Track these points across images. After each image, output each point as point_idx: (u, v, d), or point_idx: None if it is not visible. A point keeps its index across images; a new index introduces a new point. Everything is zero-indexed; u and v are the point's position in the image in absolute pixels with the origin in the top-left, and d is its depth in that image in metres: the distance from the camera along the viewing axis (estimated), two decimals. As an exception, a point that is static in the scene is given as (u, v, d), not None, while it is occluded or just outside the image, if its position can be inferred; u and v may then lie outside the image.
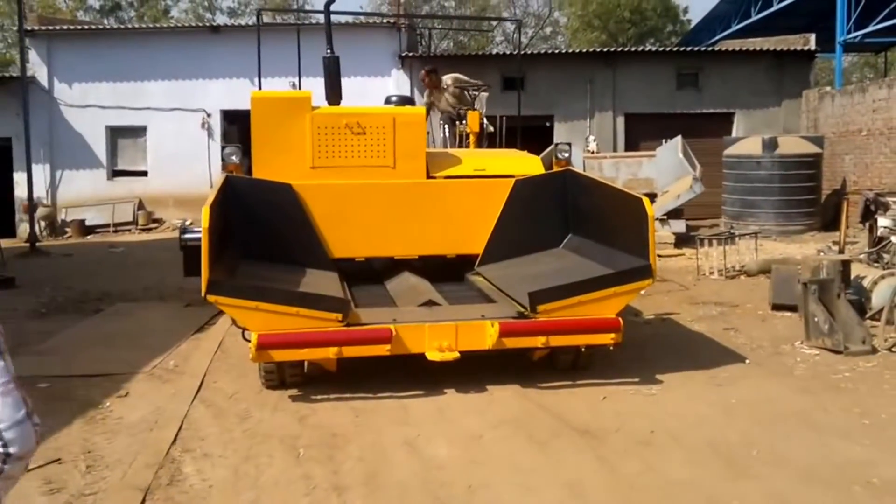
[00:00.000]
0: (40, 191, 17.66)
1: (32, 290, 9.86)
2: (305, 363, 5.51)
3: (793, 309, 7.54)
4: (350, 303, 5.43)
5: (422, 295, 5.91)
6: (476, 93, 9.11)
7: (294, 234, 6.27)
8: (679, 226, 13.44)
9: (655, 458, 4.24)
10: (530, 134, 10.10)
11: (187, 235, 5.99)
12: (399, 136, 6.58)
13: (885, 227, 8.43)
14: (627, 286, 5.39)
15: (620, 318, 5.38)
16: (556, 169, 6.83)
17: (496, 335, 5.19)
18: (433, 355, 5.16)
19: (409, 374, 5.60)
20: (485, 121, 8.64)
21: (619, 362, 5.97)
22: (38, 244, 14.49)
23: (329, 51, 7.23)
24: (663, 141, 15.25)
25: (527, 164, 7.03)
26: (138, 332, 7.45)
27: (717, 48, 19.98)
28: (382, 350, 5.14)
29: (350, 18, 16.75)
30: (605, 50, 19.49)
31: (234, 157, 6.49)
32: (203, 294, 4.90)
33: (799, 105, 17.57)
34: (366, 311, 5.53)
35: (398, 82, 17.95)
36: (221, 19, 38.24)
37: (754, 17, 23.26)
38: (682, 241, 12.87)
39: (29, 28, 17.93)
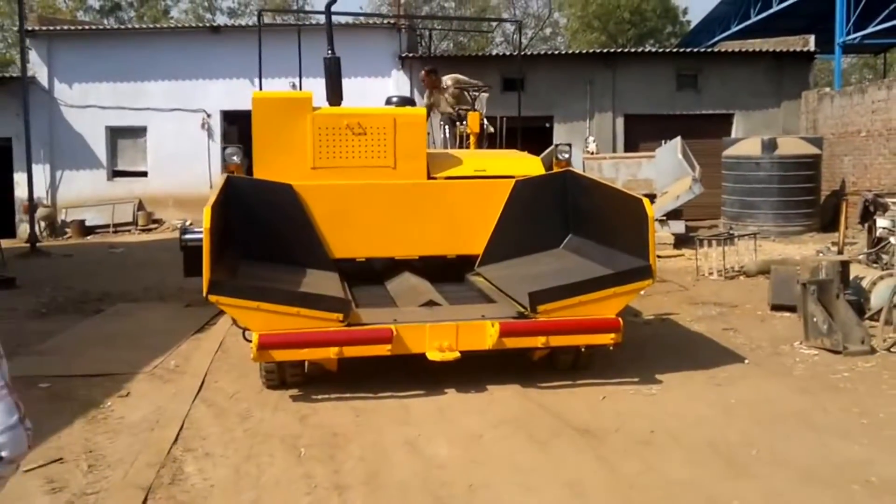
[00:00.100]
0: (40, 191, 17.67)
1: (33, 291, 9.87)
2: (306, 363, 5.52)
3: (792, 309, 7.56)
4: (351, 303, 5.44)
5: (422, 295, 5.92)
6: (476, 93, 9.13)
7: (295, 235, 6.29)
8: (678, 226, 13.46)
9: (655, 458, 4.26)
10: (530, 135, 10.11)
11: (187, 236, 6.01)
12: (400, 136, 6.60)
13: (883, 228, 8.44)
14: (627, 286, 5.41)
15: (620, 319, 5.39)
16: (556, 170, 6.85)
17: (496, 335, 5.20)
18: (434, 355, 5.17)
19: (409, 373, 5.61)
20: (485, 121, 8.66)
21: (619, 362, 5.98)
22: (38, 244, 14.49)
23: (330, 51, 7.25)
24: (663, 142, 15.27)
25: (527, 164, 7.05)
26: (139, 332, 7.46)
27: (716, 49, 20.01)
28: (383, 350, 5.15)
29: (350, 19, 16.78)
30: (605, 51, 19.52)
31: (235, 158, 6.51)
32: (204, 294, 4.92)
33: (798, 106, 17.59)
34: (366, 312, 5.54)
35: (398, 83, 17.97)
36: (221, 20, 38.32)
37: (754, 19, 23.29)
38: (681, 241, 12.88)
39: (29, 28, 17.93)
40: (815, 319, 6.47)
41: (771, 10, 21.96)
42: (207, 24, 28.85)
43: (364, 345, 5.16)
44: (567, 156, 6.93)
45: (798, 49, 18.06)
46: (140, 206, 18.58)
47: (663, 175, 14.13)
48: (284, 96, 7.22)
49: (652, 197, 12.77)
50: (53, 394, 5.56)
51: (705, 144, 15.75)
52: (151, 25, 26.04)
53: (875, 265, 8.16)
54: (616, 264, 5.62)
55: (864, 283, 7.35)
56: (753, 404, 5.13)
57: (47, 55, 18.52)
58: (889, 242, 8.25)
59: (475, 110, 8.63)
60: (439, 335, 5.19)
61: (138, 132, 18.74)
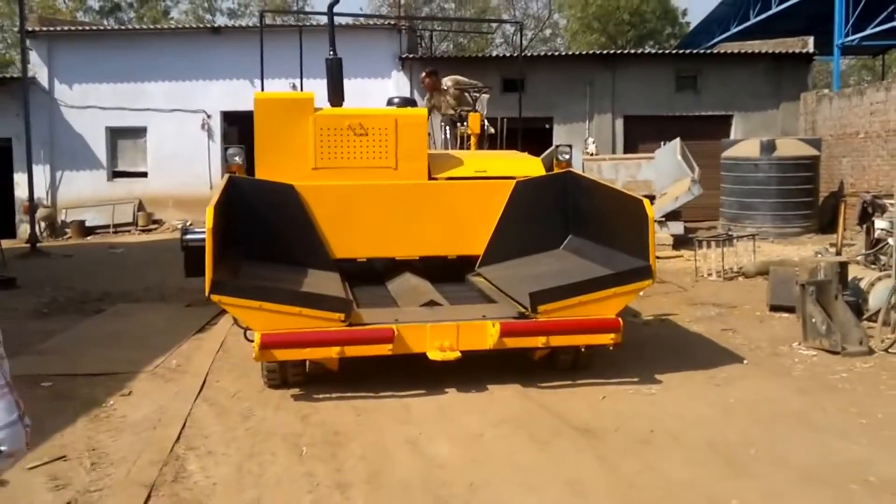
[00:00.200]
0: (40, 191, 17.70)
1: (33, 291, 9.89)
2: (307, 362, 5.55)
3: (790, 310, 7.59)
4: (352, 303, 5.46)
5: (423, 295, 5.95)
6: (477, 94, 9.15)
7: (296, 235, 6.31)
8: (677, 227, 13.49)
9: (655, 458, 4.28)
10: (530, 136, 10.14)
11: (189, 236, 6.03)
12: (401, 137, 6.62)
13: (881, 229, 8.47)
14: (627, 287, 5.43)
15: (620, 319, 5.42)
16: (556, 170, 6.88)
17: (497, 335, 5.23)
18: (434, 355, 5.19)
19: (410, 373, 5.63)
20: (486, 122, 8.68)
21: (619, 362, 6.01)
22: (38, 245, 14.52)
23: (332, 52, 7.27)
24: (662, 143, 15.30)
25: (527, 165, 7.07)
26: (140, 331, 7.48)
27: (715, 51, 20.07)
28: (384, 350, 5.18)
29: (350, 20, 16.81)
30: (605, 52, 19.56)
31: (237, 158, 6.52)
32: (207, 294, 4.94)
33: (797, 107, 17.63)
34: (368, 312, 5.56)
35: (398, 84, 18.00)
36: (221, 20, 38.38)
37: (753, 20, 23.34)
38: (680, 242, 12.91)
39: (30, 29, 17.93)
40: (813, 320, 6.50)
41: (770, 12, 22.01)
42: (207, 25, 28.86)
43: (365, 344, 5.19)
44: (567, 157, 6.96)
45: (797, 50, 18.11)
46: (140, 207, 18.61)
47: (662, 176, 14.16)
48: (286, 97, 7.25)
49: (651, 198, 12.78)
50: (56, 393, 5.58)
51: (704, 146, 15.78)
52: (151, 26, 26.04)
53: (873, 266, 8.18)
54: (616, 265, 5.64)
55: (863, 284, 7.38)
56: (752, 404, 5.16)
57: (47, 56, 18.55)
58: (887, 243, 8.27)
59: (476, 111, 8.65)
60: (440, 335, 5.22)
61: (138, 133, 18.77)
